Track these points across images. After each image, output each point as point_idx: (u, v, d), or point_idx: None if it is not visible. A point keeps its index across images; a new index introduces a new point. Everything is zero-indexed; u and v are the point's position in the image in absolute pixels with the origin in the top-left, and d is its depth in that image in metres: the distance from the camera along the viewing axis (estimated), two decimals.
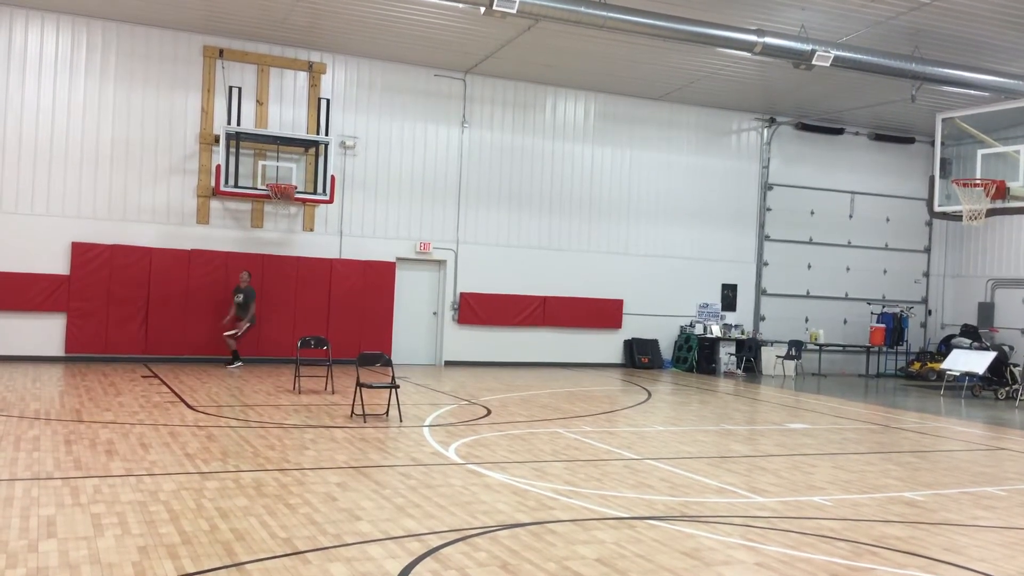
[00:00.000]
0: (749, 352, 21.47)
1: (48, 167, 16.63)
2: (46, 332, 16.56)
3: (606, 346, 21.10)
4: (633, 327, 21.29)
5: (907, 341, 23.38)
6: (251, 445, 9.22)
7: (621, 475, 8.55)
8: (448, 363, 19.52)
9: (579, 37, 16.67)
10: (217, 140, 17.22)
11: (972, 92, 17.51)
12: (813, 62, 15.49)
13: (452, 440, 10.03)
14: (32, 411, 10.80)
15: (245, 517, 6.41)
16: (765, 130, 22.59)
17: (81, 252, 16.72)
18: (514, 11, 13.48)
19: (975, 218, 15.70)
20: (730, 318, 22.12)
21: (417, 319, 19.53)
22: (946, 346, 21.92)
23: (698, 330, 21.41)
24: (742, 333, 21.80)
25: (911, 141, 24.00)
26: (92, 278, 16.75)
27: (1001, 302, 22.93)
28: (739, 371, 21.23)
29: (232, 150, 16.87)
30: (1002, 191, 15.35)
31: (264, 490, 7.26)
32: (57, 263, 16.63)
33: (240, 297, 16.77)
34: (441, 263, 19.66)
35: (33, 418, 10.29)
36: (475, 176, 19.83)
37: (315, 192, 17.64)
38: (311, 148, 17.92)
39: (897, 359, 23.57)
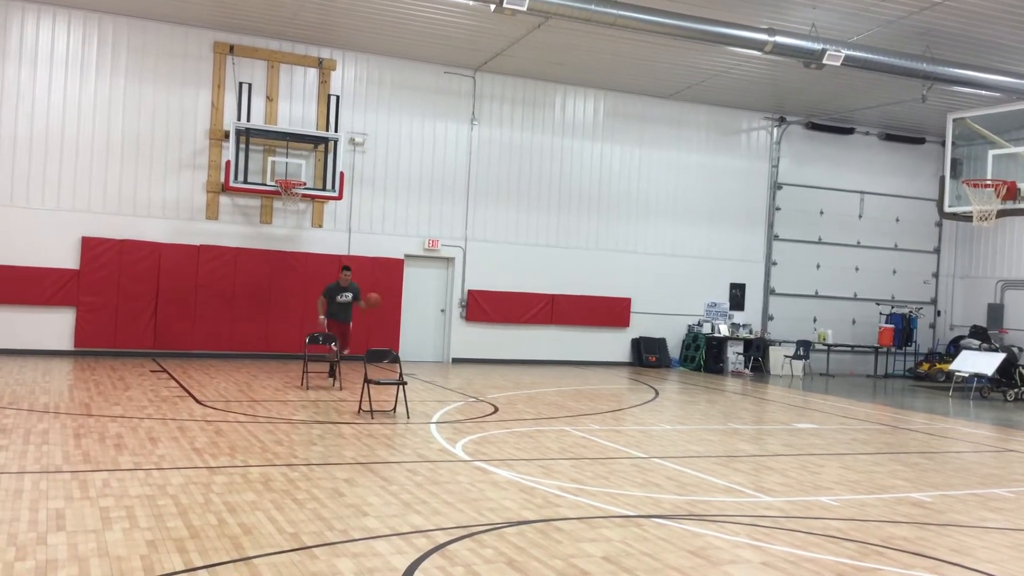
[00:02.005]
0: (757, 352, 21.42)
1: (59, 162, 16.70)
2: (56, 326, 16.64)
3: (614, 345, 21.08)
4: (641, 326, 21.27)
5: (916, 342, 23.29)
6: (259, 440, 9.25)
7: (628, 473, 8.55)
8: (455, 360, 19.54)
9: (589, 35, 16.66)
10: (227, 136, 17.27)
11: (983, 92, 17.43)
12: (824, 61, 15.44)
13: (459, 437, 10.05)
14: (41, 405, 10.85)
15: (253, 512, 6.44)
16: (775, 129, 22.52)
17: (91, 247, 16.79)
18: (524, 8, 13.47)
19: (985, 219, 15.65)
20: (738, 317, 22.07)
21: (425, 316, 19.54)
22: (955, 347, 21.84)
23: (706, 329, 21.37)
24: (750, 332, 21.76)
25: (921, 141, 23.90)
26: (102, 273, 16.82)
27: (1011, 303, 22.84)
28: (747, 371, 21.19)
29: (242, 146, 16.92)
30: (1013, 192, 15.31)
31: (272, 485, 7.28)
32: (67, 258, 16.70)
33: (349, 296, 14.68)
34: (449, 260, 19.66)
35: (42, 411, 10.35)
36: (484, 173, 19.82)
37: (324, 188, 17.67)
38: (321, 144, 17.94)
39: (906, 360, 23.51)
